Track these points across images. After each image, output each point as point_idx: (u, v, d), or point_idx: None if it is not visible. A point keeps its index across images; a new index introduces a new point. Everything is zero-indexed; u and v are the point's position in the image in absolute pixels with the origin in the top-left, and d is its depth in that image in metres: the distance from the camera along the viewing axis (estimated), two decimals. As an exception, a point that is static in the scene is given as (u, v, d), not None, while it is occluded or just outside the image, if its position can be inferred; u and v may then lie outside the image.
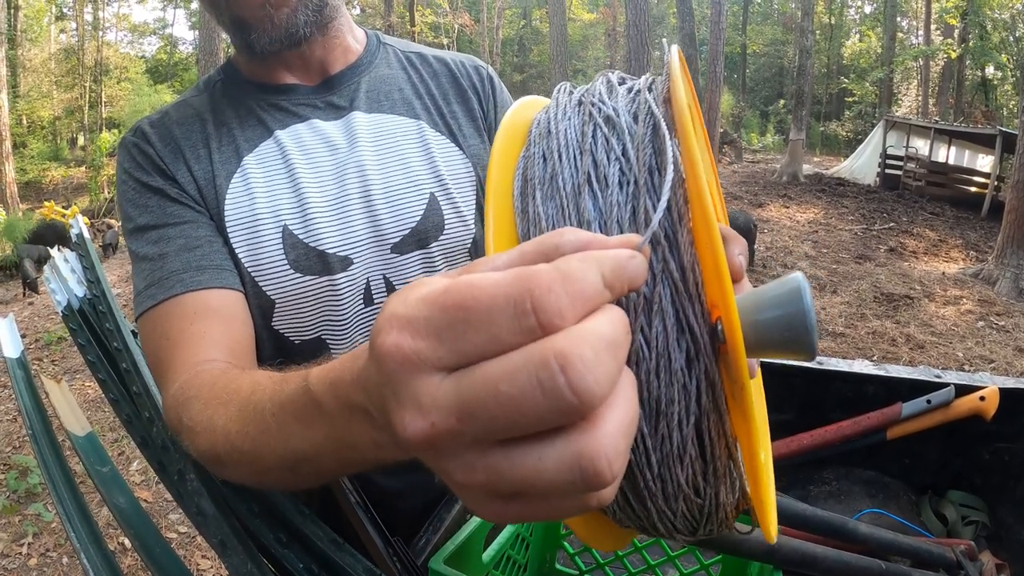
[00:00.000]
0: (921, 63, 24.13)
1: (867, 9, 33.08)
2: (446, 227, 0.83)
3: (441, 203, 0.83)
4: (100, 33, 28.23)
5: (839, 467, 1.14)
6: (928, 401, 1.02)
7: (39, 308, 7.63)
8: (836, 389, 1.13)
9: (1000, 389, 1.01)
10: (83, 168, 21.49)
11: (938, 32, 24.17)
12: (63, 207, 17.48)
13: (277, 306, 0.77)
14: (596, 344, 0.21)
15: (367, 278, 0.80)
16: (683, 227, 0.32)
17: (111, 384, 0.84)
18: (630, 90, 0.40)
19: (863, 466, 1.14)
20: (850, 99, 27.63)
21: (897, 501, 1.09)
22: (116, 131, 17.44)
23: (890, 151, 14.63)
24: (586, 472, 0.22)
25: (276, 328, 0.78)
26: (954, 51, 19.96)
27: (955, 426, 1.02)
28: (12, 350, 1.08)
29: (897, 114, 21.86)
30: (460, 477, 0.24)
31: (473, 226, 0.85)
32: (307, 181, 0.78)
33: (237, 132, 0.79)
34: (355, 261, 0.79)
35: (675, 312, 0.31)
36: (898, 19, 27.21)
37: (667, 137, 0.34)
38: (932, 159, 14.02)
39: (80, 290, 1.02)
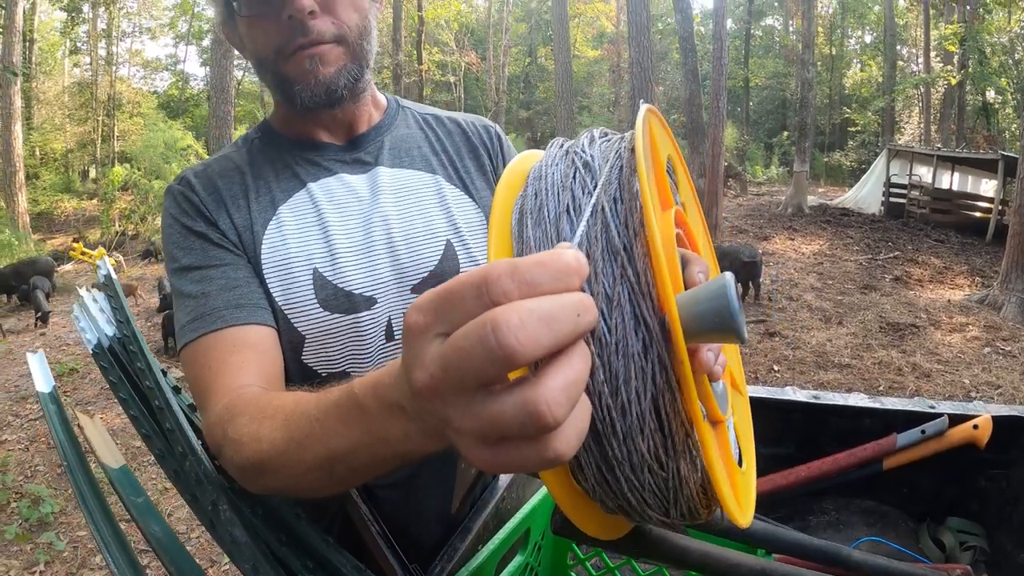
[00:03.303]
0: (922, 91, 24.31)
1: (867, 39, 33.45)
2: (461, 271, 0.88)
3: (457, 249, 0.91)
4: (113, 68, 28.67)
5: (838, 498, 1.16)
6: (922, 431, 1.06)
7: (51, 339, 7.72)
8: (833, 423, 1.16)
9: (993, 417, 1.04)
10: (95, 201, 21.73)
11: (938, 59, 24.36)
12: (74, 239, 17.65)
13: (307, 341, 0.84)
14: (525, 315, 0.28)
15: (389, 316, 0.87)
16: (637, 241, 0.40)
17: (143, 420, 0.89)
18: (608, 142, 0.48)
19: (862, 496, 1.16)
20: (853, 129, 27.76)
21: (896, 529, 1.12)
22: (128, 165, 17.62)
23: (894, 179, 14.69)
24: (531, 414, 0.29)
25: (305, 362, 0.85)
26: (954, 77, 20.10)
27: (951, 455, 1.05)
28: (44, 385, 1.13)
29: (900, 142, 21.96)
30: (457, 423, 0.32)
31: None
32: (336, 228, 0.86)
33: (273, 184, 0.88)
34: (379, 301, 0.86)
35: (632, 308, 0.39)
36: (898, 47, 27.48)
37: (600, 180, 0.43)
38: (936, 186, 14.07)
39: (110, 329, 1.06)
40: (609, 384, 0.39)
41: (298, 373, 0.85)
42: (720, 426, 0.47)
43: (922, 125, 25.96)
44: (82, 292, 1.18)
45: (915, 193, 13.97)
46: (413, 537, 0.86)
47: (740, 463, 0.54)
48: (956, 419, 1.06)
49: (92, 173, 27.15)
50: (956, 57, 21.11)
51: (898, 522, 1.13)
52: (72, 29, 27.49)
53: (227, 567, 3.03)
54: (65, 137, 25.68)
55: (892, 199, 14.42)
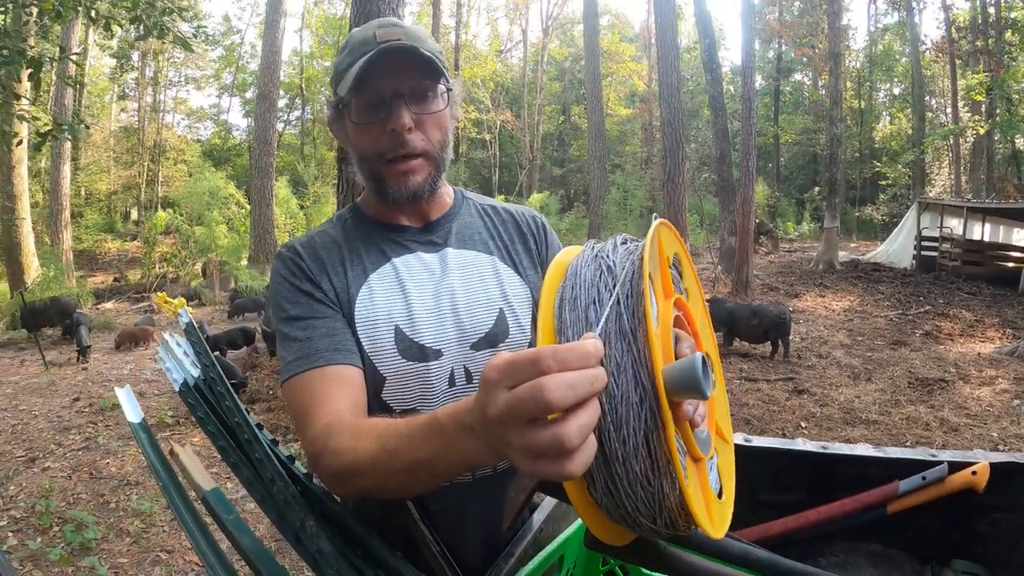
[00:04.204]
0: (951, 142, 24.20)
1: (896, 91, 33.52)
2: (510, 333, 1.09)
3: (507, 316, 1.09)
4: (160, 116, 29.73)
5: (846, 541, 1.24)
6: (923, 478, 1.15)
7: (92, 374, 7.90)
8: (840, 471, 1.25)
9: (991, 464, 1.13)
10: (136, 242, 22.40)
11: (966, 109, 24.28)
12: (115, 278, 18.17)
13: (387, 382, 1.03)
14: (559, 383, 0.47)
15: (452, 367, 1.06)
16: (640, 328, 0.57)
17: (230, 450, 1.03)
18: (627, 250, 0.66)
19: (869, 540, 1.24)
20: (884, 182, 27.66)
21: (901, 570, 1.19)
22: (171, 210, 18.19)
23: (925, 232, 14.62)
24: (558, 442, 0.47)
25: (384, 398, 1.03)
26: (982, 127, 20.03)
27: (953, 500, 1.14)
28: (134, 416, 1.28)
29: (931, 194, 21.82)
30: (512, 441, 0.50)
31: (529, 333, 1.10)
32: (414, 295, 1.06)
33: (364, 257, 1.08)
34: (444, 354, 1.05)
35: (633, 373, 0.56)
36: (926, 98, 27.43)
37: (618, 282, 0.61)
38: (967, 237, 13.99)
39: (195, 371, 1.21)
40: (615, 423, 0.55)
41: (377, 408, 1.01)
42: (701, 463, 0.64)
43: (952, 176, 25.79)
44: (166, 336, 1.34)
45: (946, 246, 13.89)
46: (461, 556, 1.00)
47: (720, 496, 0.70)
48: (956, 466, 1.15)
49: (134, 215, 28.01)
50: (984, 106, 21.09)
51: (903, 564, 1.21)
52: (121, 76, 28.77)
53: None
54: (110, 179, 26.63)
55: (924, 252, 14.34)
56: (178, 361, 1.26)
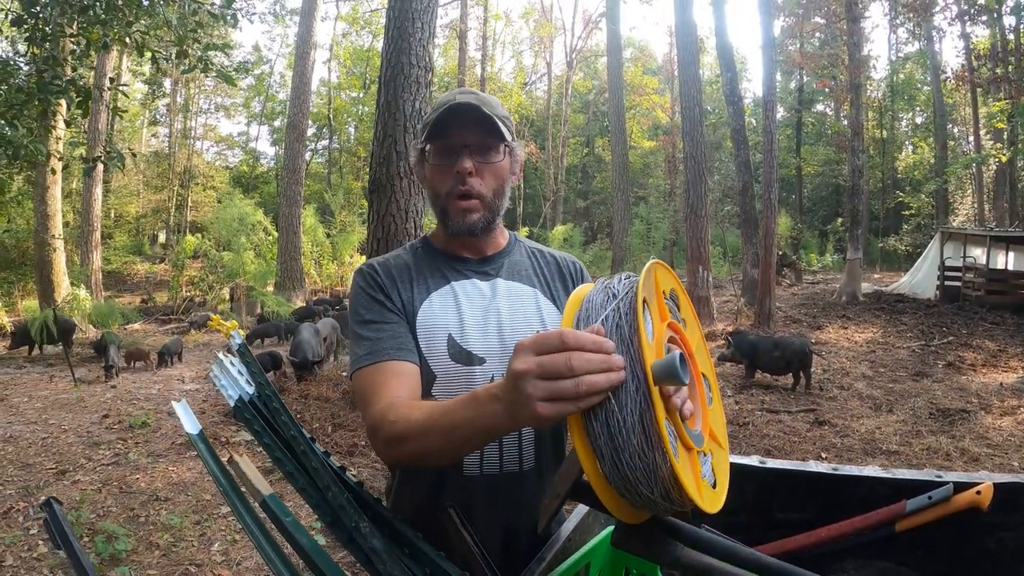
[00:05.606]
0: (974, 170, 24.05)
1: (918, 120, 33.40)
2: None
3: None
4: (190, 142, 30.35)
5: (858, 559, 1.30)
6: (929, 497, 1.21)
7: (121, 392, 8.08)
8: (851, 491, 1.31)
9: (995, 484, 1.19)
10: (164, 265, 22.82)
11: (988, 137, 24.13)
12: (143, 300, 18.51)
13: (437, 380, 1.23)
14: (580, 358, 0.67)
15: (492, 373, 1.25)
16: (635, 334, 0.72)
17: (286, 460, 1.12)
18: (630, 282, 0.81)
19: (880, 558, 1.30)
20: (907, 212, 27.49)
21: (910, 588, 1.26)
22: (199, 235, 18.55)
23: (948, 262, 14.54)
24: (578, 389, 0.67)
25: (434, 395, 1.22)
26: (1004, 155, 19.92)
27: (962, 518, 1.18)
28: (192, 427, 1.37)
29: (954, 224, 21.65)
30: (529, 390, 0.68)
31: None
32: (466, 312, 1.28)
33: (429, 279, 1.31)
34: (487, 360, 1.25)
35: (630, 366, 0.71)
36: (948, 127, 27.27)
37: (616, 303, 0.77)
38: (990, 267, 13.90)
39: (250, 388, 1.31)
40: (618, 404, 0.69)
41: None
42: (693, 452, 0.77)
43: (976, 205, 25.58)
44: (220, 356, 1.44)
45: (970, 275, 13.80)
46: (484, 546, 1.07)
47: (715, 487, 0.83)
48: (961, 487, 1.20)
49: (161, 238, 28.57)
50: (1006, 133, 20.96)
51: (912, 581, 1.27)
52: (152, 102, 29.54)
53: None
54: (140, 202, 27.23)
55: (947, 283, 14.25)
56: (233, 379, 1.36)
